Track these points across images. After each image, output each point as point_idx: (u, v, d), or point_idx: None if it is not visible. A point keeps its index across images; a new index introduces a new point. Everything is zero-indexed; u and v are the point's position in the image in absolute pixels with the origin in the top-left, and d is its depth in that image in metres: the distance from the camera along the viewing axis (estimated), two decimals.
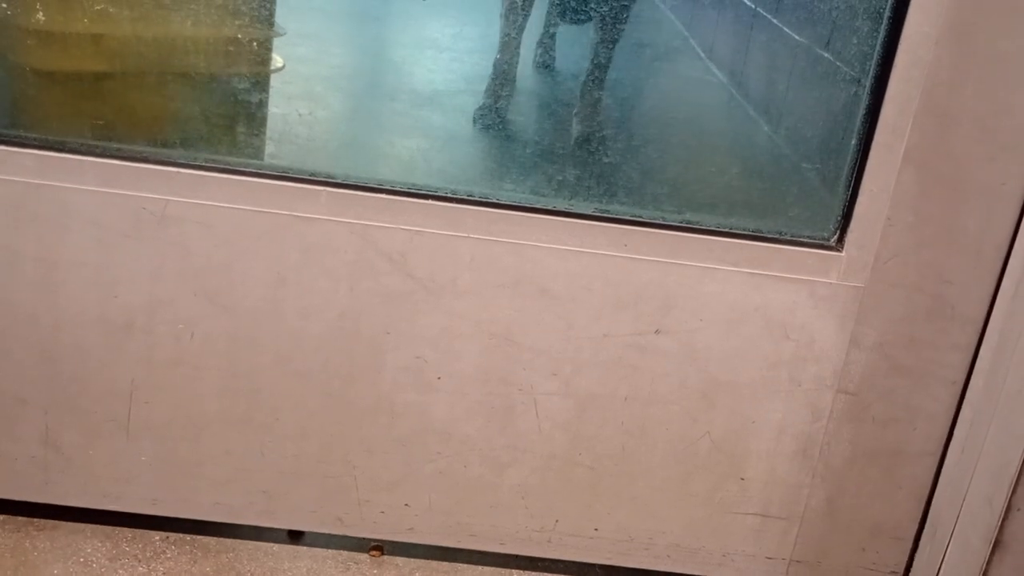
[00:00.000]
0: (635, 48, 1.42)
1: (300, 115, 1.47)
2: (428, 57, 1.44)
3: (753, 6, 1.50)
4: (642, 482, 1.37)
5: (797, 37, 1.41)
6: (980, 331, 1.28)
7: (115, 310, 1.28)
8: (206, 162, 1.24)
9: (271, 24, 1.49)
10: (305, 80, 1.53)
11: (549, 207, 1.27)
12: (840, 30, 1.33)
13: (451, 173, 1.35)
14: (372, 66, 1.51)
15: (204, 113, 1.36)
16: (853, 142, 1.26)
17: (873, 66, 1.23)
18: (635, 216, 1.27)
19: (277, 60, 1.51)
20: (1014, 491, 1.23)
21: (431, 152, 1.40)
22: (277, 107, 1.44)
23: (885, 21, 1.21)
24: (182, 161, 1.24)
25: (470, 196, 1.25)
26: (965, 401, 1.30)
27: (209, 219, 1.24)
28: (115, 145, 1.25)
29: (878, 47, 1.22)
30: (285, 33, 1.51)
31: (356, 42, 1.54)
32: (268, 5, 1.48)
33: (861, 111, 1.24)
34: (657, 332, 1.30)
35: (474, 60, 1.46)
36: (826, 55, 1.34)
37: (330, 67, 1.54)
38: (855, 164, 1.25)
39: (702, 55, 1.57)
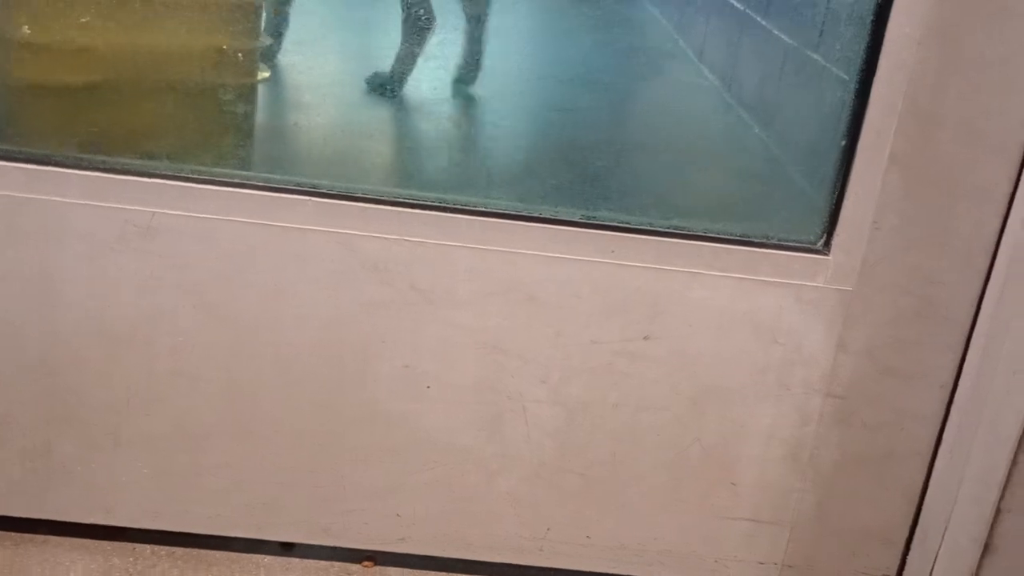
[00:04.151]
0: (625, 51, 1.42)
1: (287, 125, 1.47)
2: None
3: (742, 8, 1.50)
4: (633, 489, 1.37)
5: (787, 39, 1.42)
6: (968, 333, 1.28)
7: (108, 322, 1.27)
8: (192, 174, 1.24)
9: (257, 35, 1.49)
10: (294, 89, 1.53)
11: (536, 214, 1.26)
12: (826, 33, 1.34)
13: (437, 181, 1.35)
14: (360, 74, 1.51)
15: (190, 124, 1.36)
16: (839, 145, 1.26)
17: (857, 69, 1.23)
18: (622, 222, 1.27)
19: (263, 70, 1.51)
20: (1003, 494, 1.23)
21: (417, 160, 1.40)
22: (264, 117, 1.45)
23: (868, 24, 1.21)
24: (169, 173, 1.24)
25: (456, 204, 1.25)
26: (953, 403, 1.30)
27: (197, 231, 1.24)
28: (101, 158, 1.25)
29: (862, 50, 1.22)
30: (271, 44, 1.51)
31: (344, 50, 1.54)
32: (253, 16, 1.49)
33: (846, 114, 1.24)
34: (646, 338, 1.30)
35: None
36: (815, 56, 1.34)
37: (319, 75, 1.54)
38: (841, 167, 1.25)
39: (693, 57, 1.57)
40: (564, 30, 1.47)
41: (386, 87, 1.42)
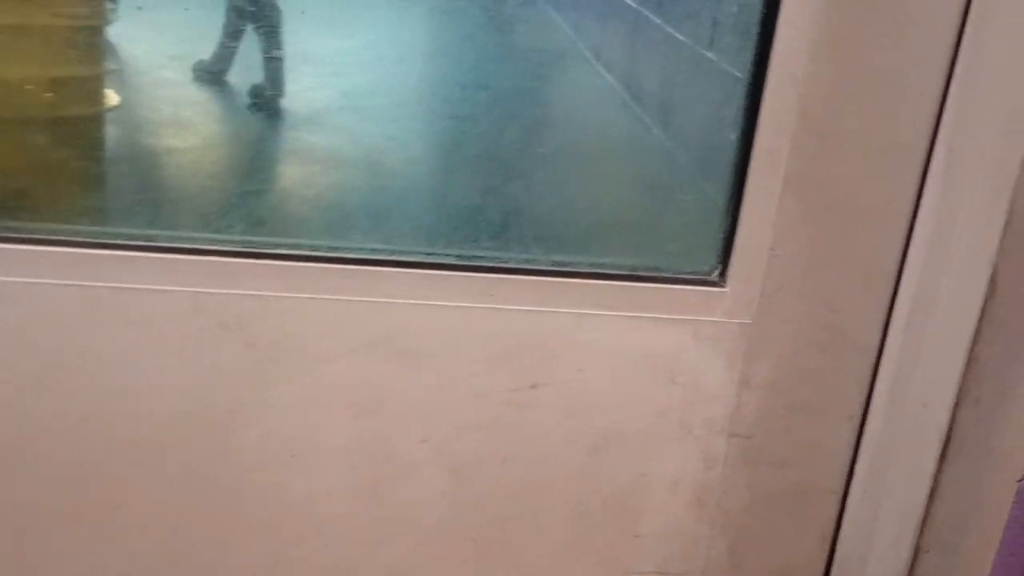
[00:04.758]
0: (519, 53, 1.32)
1: (130, 161, 1.33)
2: (306, 73, 1.33)
3: (635, 6, 1.43)
4: (530, 549, 1.26)
5: (680, 37, 1.34)
6: (875, 362, 1.20)
7: None
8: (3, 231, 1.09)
9: (99, 59, 1.34)
10: (149, 113, 1.38)
11: (404, 258, 1.14)
12: (716, 41, 1.26)
13: (292, 226, 1.23)
14: (245, 86, 1.38)
15: (6, 171, 1.21)
16: (731, 169, 1.16)
17: (745, 87, 1.14)
18: (501, 263, 1.16)
19: (111, 97, 1.36)
20: (921, 533, 1.15)
21: (272, 203, 1.27)
22: (108, 152, 1.30)
23: (754, 37, 1.12)
24: None
25: (313, 253, 1.12)
26: (864, 436, 1.23)
27: (13, 296, 1.08)
28: None
29: (749, 65, 1.13)
30: (119, 68, 1.37)
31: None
32: (93, 38, 1.34)
33: (736, 135, 1.15)
34: (533, 387, 1.18)
35: (355, 74, 1.36)
36: (713, 61, 1.26)
37: (183, 95, 1.40)
38: (733, 192, 1.16)
39: (591, 58, 1.50)
40: (454, 34, 1.36)
41: (266, 102, 1.30)
